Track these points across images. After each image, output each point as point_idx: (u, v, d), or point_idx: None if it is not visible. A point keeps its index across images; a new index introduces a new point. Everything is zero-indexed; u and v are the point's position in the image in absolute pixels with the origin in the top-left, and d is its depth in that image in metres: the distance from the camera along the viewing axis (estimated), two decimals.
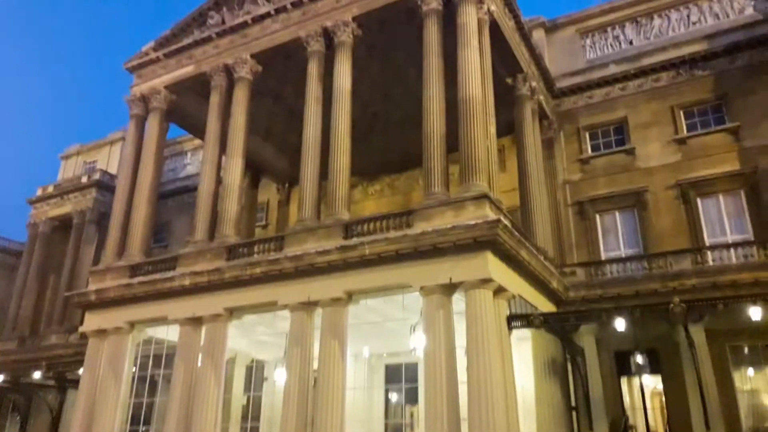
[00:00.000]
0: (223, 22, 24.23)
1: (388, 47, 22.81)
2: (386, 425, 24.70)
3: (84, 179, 39.62)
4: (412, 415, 25.64)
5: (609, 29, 27.95)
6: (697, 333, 17.41)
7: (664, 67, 25.24)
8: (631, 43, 27.22)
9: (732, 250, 20.90)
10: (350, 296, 17.73)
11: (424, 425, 15.38)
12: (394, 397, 25.69)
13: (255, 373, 24.87)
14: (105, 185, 38.74)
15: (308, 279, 18.18)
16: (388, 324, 19.89)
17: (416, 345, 17.14)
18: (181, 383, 19.52)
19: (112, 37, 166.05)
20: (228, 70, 23.42)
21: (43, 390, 31.48)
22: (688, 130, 24.31)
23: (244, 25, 23.39)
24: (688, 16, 26.46)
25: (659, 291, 20.60)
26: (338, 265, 17.64)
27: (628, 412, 20.90)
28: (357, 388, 22.26)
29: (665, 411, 21.62)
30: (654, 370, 19.62)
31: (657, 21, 27.02)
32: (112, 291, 22.07)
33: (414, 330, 17.26)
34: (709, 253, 21.22)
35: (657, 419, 23.95)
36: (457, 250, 16.03)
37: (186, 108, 26.28)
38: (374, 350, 23.49)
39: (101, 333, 22.24)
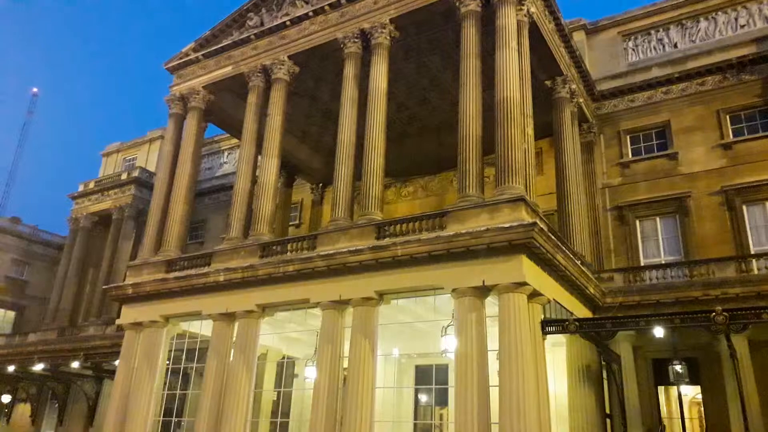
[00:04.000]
0: (262, 23, 24.49)
1: (425, 49, 22.75)
2: (415, 426, 24.54)
3: (123, 176, 40.65)
4: (441, 417, 25.44)
5: (652, 32, 27.32)
6: (740, 343, 16.89)
7: (710, 70, 24.54)
8: (675, 46, 26.55)
9: None
10: (381, 296, 17.67)
11: (454, 428, 15.19)
12: (423, 398, 25.54)
13: (285, 370, 25.03)
14: (143, 182, 39.68)
15: (340, 278, 18.20)
16: (419, 325, 19.78)
17: (447, 347, 17.02)
18: (214, 377, 19.79)
19: (152, 39, 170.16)
20: (266, 71, 23.66)
21: (80, 379, 32.42)
22: (735, 135, 23.58)
23: (282, 26, 23.58)
24: (736, 19, 25.66)
25: (700, 299, 19.95)
26: (370, 264, 17.60)
27: (665, 422, 20.35)
28: (386, 387, 22.17)
29: (704, 422, 20.97)
30: (693, 380, 19.02)
31: (703, 24, 26.28)
32: (148, 285, 22.53)
33: (446, 332, 17.12)
34: (754, 261, 20.41)
35: (695, 430, 23.24)
36: (490, 252, 15.81)
37: (223, 108, 26.69)
38: (404, 351, 23.39)
39: (137, 326, 22.72)
